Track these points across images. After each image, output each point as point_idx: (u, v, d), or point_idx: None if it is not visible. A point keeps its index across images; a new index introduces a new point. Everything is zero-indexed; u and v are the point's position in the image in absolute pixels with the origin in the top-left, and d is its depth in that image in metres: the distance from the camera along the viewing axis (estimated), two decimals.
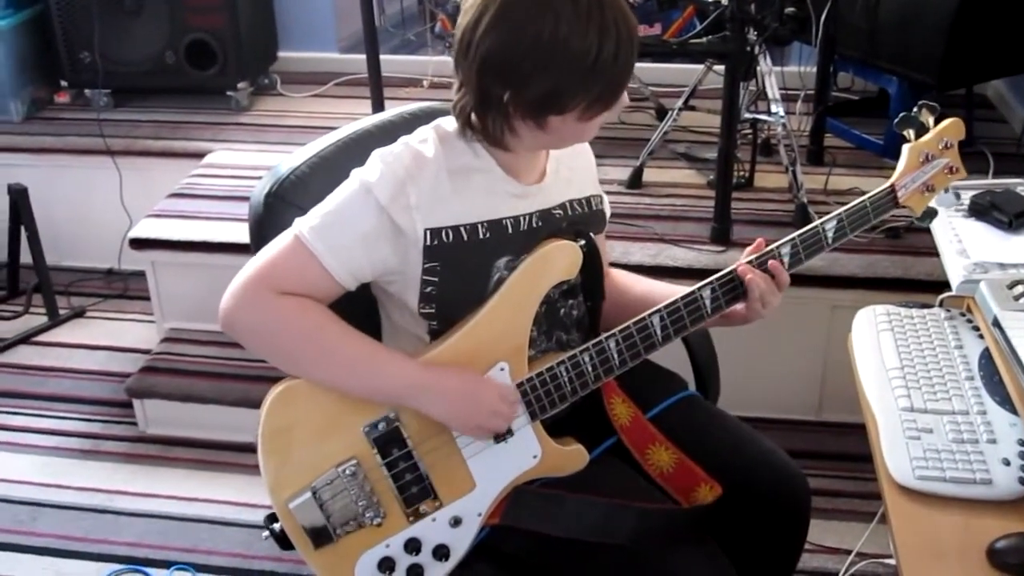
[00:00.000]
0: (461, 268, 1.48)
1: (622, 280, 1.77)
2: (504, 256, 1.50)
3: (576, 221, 1.59)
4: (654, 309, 1.53)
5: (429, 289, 1.48)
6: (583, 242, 1.54)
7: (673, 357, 1.75)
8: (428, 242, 1.45)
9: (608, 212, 1.71)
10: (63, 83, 3.94)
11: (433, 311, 1.50)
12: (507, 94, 1.40)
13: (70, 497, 2.71)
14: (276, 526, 1.52)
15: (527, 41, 1.36)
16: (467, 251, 1.47)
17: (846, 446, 2.71)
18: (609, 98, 1.43)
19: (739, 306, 1.57)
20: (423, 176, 1.45)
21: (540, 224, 1.54)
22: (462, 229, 1.47)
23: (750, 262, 1.56)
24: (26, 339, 3.37)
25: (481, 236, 1.49)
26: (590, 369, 1.52)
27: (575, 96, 1.40)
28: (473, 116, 1.47)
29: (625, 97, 1.47)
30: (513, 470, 1.53)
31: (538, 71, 1.37)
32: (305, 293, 1.44)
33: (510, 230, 1.51)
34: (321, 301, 1.45)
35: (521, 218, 1.52)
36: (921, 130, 1.67)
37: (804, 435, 2.81)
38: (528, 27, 1.36)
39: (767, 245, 1.58)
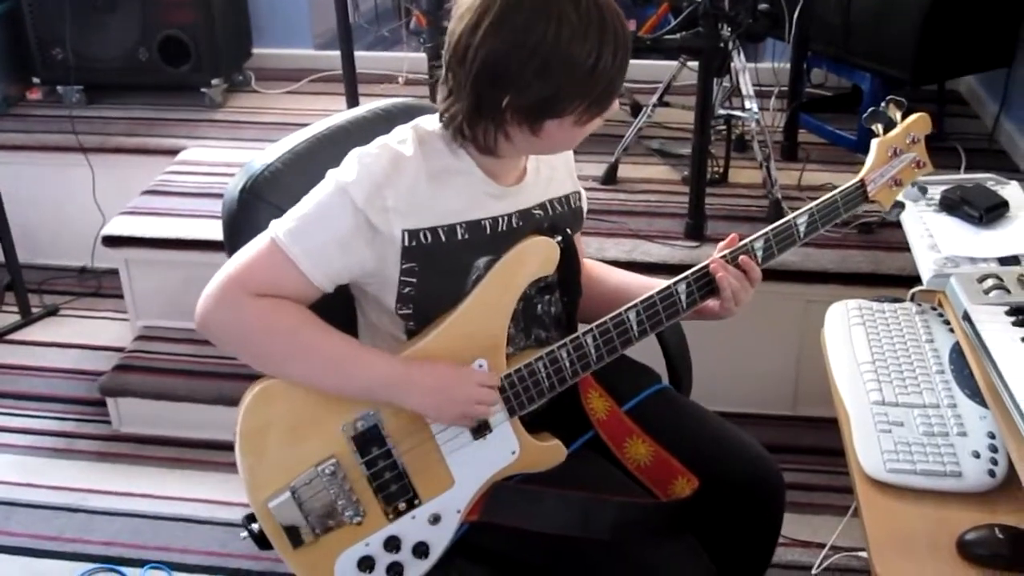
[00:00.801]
0: (439, 269, 1.47)
1: (596, 271, 1.78)
2: (483, 256, 1.50)
3: (556, 220, 1.59)
4: (630, 304, 1.54)
5: (407, 290, 1.48)
6: (560, 238, 1.54)
7: (644, 350, 1.75)
8: (406, 243, 1.44)
9: (585, 208, 1.71)
10: (35, 80, 3.91)
11: (411, 312, 1.50)
12: (506, 99, 1.39)
13: (43, 496, 2.69)
14: (255, 526, 1.51)
15: (529, 46, 1.35)
16: (446, 252, 1.47)
17: (821, 440, 2.72)
18: (605, 101, 1.44)
19: (712, 302, 1.58)
20: (401, 178, 1.44)
21: (520, 224, 1.54)
22: (440, 230, 1.47)
23: (724, 257, 1.57)
24: None
25: (460, 237, 1.48)
26: (567, 365, 1.53)
27: (574, 100, 1.40)
28: (465, 124, 1.45)
29: (616, 103, 1.47)
30: (492, 466, 1.53)
31: (539, 76, 1.37)
32: (281, 295, 1.43)
33: (488, 231, 1.51)
34: (298, 303, 1.45)
35: (500, 218, 1.52)
36: (889, 125, 1.69)
37: (779, 429, 2.83)
38: (530, 32, 1.35)
39: (740, 240, 1.59)
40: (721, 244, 1.60)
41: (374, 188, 1.42)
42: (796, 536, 2.42)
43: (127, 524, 2.59)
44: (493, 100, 1.40)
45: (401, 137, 1.49)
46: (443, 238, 1.47)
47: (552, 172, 1.62)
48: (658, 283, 1.61)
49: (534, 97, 1.39)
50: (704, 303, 1.58)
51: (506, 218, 1.53)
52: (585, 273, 1.75)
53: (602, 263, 1.81)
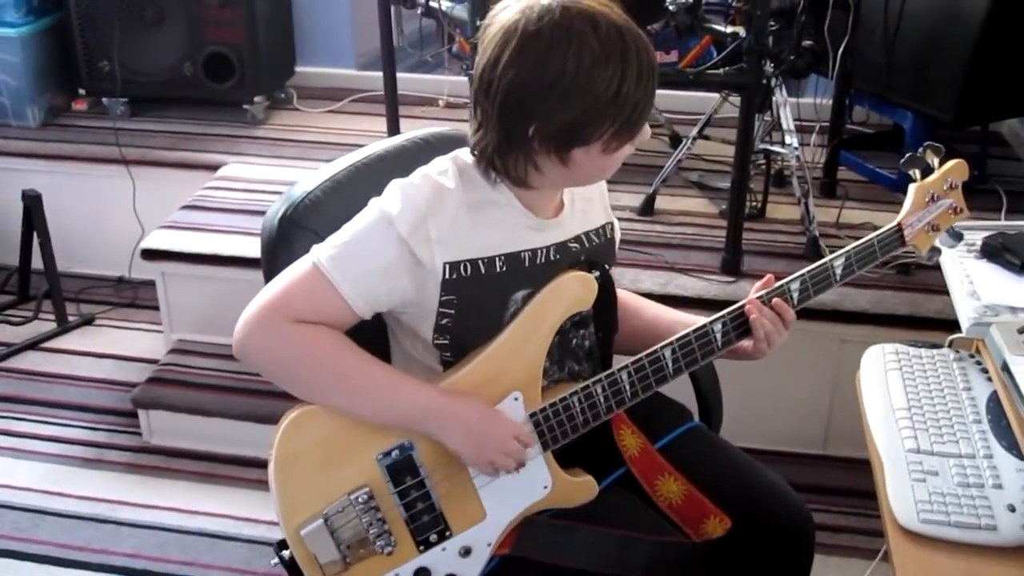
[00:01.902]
0: (478, 301, 1.47)
1: (631, 303, 1.77)
2: (521, 289, 1.50)
3: (592, 253, 1.59)
4: (666, 342, 1.54)
5: (444, 321, 1.48)
6: (597, 273, 1.54)
7: (674, 385, 1.74)
8: (447, 275, 1.44)
9: (618, 239, 1.71)
10: (81, 91, 3.96)
11: (447, 342, 1.50)
12: (531, 128, 1.40)
13: (72, 506, 2.71)
14: (286, 553, 1.51)
15: (551, 74, 1.36)
16: (485, 284, 1.47)
17: (851, 481, 2.70)
18: (633, 127, 1.44)
19: (746, 342, 1.58)
20: (443, 209, 1.44)
21: (557, 257, 1.54)
22: (480, 263, 1.47)
23: (760, 298, 1.57)
24: (34, 345, 3.37)
25: (499, 269, 1.48)
26: (602, 400, 1.52)
27: (599, 127, 1.40)
28: (496, 157, 1.45)
29: (647, 130, 1.47)
30: (524, 500, 1.53)
31: (562, 103, 1.37)
32: (320, 321, 1.43)
33: (527, 263, 1.51)
34: (335, 329, 1.45)
35: (538, 251, 1.52)
36: (927, 170, 1.70)
37: (808, 469, 2.80)
38: (551, 60, 1.35)
39: (776, 279, 1.59)
40: (757, 284, 1.60)
41: (419, 219, 1.42)
42: None
43: (153, 537, 2.60)
44: (519, 130, 1.41)
45: (442, 168, 1.49)
46: (482, 270, 1.47)
47: (587, 204, 1.62)
48: (691, 319, 1.61)
49: (559, 125, 1.39)
50: (738, 343, 1.58)
51: (544, 251, 1.53)
52: (620, 306, 1.74)
53: (636, 295, 1.81)
